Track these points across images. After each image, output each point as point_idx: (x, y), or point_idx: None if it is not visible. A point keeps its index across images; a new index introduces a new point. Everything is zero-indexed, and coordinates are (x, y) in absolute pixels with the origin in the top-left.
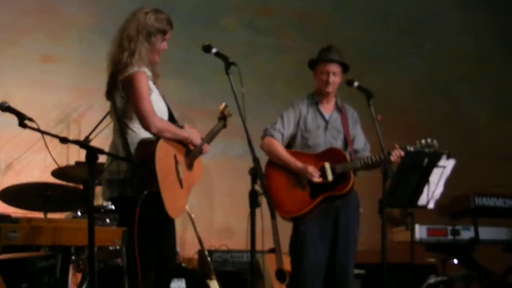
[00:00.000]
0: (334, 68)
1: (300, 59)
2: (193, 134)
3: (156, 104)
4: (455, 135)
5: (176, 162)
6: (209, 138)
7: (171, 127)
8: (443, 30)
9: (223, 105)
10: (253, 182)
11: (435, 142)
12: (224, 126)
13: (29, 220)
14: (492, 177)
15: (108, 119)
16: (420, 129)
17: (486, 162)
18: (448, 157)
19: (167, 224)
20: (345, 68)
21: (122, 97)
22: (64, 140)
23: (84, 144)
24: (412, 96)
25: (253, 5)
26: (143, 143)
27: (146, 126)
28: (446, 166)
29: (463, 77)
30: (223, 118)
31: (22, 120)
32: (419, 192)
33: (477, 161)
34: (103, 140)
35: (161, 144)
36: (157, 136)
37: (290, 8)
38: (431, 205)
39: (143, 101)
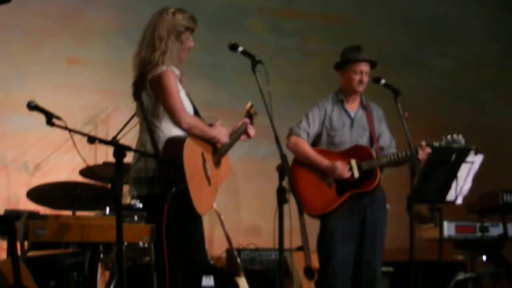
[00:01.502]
0: (366, 67)
1: (325, 61)
2: (221, 133)
3: (183, 102)
4: (479, 141)
5: (204, 160)
6: (235, 137)
7: (201, 125)
8: (466, 35)
9: (249, 104)
10: (281, 178)
11: (461, 137)
12: (251, 124)
13: (57, 217)
14: None
15: (135, 120)
16: (444, 134)
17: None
18: (476, 153)
19: (196, 222)
20: (372, 66)
21: (150, 95)
22: (91, 140)
23: (111, 141)
24: (436, 101)
25: (277, 7)
26: (171, 141)
27: (177, 122)
28: (474, 161)
29: (487, 82)
30: (249, 117)
31: (50, 118)
32: (447, 187)
33: (502, 164)
34: (130, 140)
35: (189, 142)
36: (186, 133)
37: (315, 11)
38: (459, 201)
39: (174, 98)
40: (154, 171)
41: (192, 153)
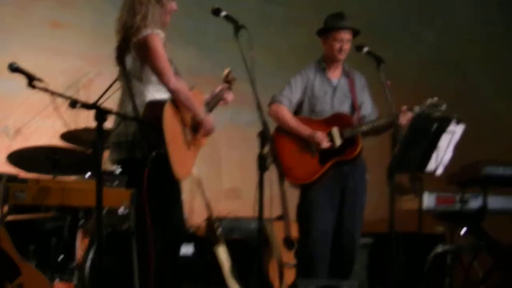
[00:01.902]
0: (348, 35)
1: (311, 31)
2: (208, 120)
3: None
4: (464, 111)
5: (183, 124)
6: (213, 103)
7: (188, 94)
8: (452, 6)
9: (227, 70)
10: (262, 145)
11: (442, 101)
12: (229, 89)
13: (37, 180)
14: (501, 147)
15: (117, 85)
16: None
17: (496, 136)
18: (458, 122)
19: (175, 187)
20: (354, 34)
21: (134, 59)
22: (73, 104)
23: (92, 104)
24: (419, 72)
25: None
26: (151, 104)
27: (165, 82)
28: (455, 131)
29: (473, 54)
30: (227, 82)
31: (31, 80)
32: (428, 157)
33: (486, 134)
34: (111, 105)
35: (169, 105)
36: (171, 95)
37: None
38: (439, 171)
39: (162, 59)
40: (134, 135)
41: (172, 117)
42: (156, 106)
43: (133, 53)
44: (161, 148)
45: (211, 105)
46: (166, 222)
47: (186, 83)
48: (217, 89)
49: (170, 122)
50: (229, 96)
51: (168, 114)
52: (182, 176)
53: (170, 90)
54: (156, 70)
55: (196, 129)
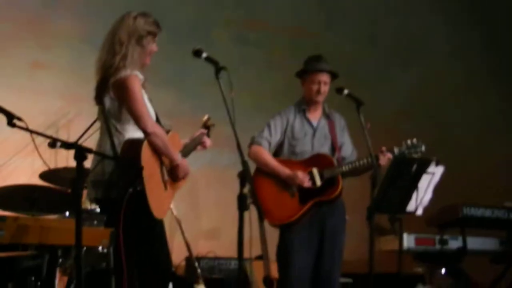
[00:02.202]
0: (325, 78)
1: (289, 74)
2: (183, 164)
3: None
4: (441, 155)
5: (161, 164)
6: (191, 147)
7: (165, 138)
8: (431, 52)
9: (206, 116)
10: (242, 185)
11: (420, 142)
12: (208, 136)
13: (15, 218)
14: (478, 194)
15: (97, 125)
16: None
17: (474, 180)
18: (437, 164)
19: (156, 225)
20: (333, 77)
21: (112, 99)
22: (53, 144)
23: (72, 143)
24: (398, 116)
25: (242, 18)
26: (129, 142)
27: (142, 126)
28: (435, 172)
29: (451, 98)
30: (206, 128)
31: (11, 119)
32: (408, 198)
33: (464, 178)
34: (91, 145)
35: (147, 143)
36: (148, 139)
37: (281, 24)
38: (419, 212)
39: (138, 103)
40: (111, 174)
41: (150, 156)
42: (134, 144)
43: (111, 93)
44: (138, 185)
45: (188, 149)
46: (149, 260)
47: (164, 124)
48: (196, 134)
49: (148, 160)
50: (207, 141)
51: (146, 152)
52: (159, 215)
53: (147, 133)
54: (133, 113)
55: (172, 172)
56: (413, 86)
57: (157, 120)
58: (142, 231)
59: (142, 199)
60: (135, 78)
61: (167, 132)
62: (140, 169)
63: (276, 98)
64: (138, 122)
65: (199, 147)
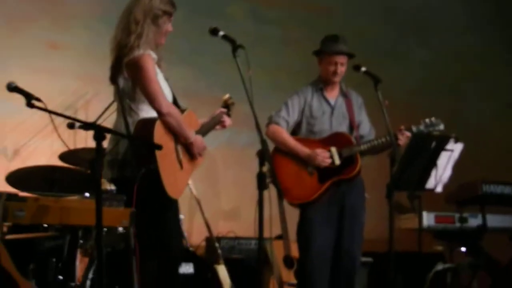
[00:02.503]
0: (342, 59)
1: (305, 51)
2: (197, 141)
3: (162, 86)
4: (460, 131)
5: (176, 143)
6: (210, 125)
7: (179, 118)
8: (448, 27)
9: (227, 95)
10: (261, 164)
11: (439, 121)
12: (228, 115)
13: (36, 199)
14: (497, 169)
15: (115, 106)
16: None
17: (493, 155)
18: (456, 141)
19: (169, 205)
20: (350, 57)
21: (126, 79)
22: (71, 125)
23: (91, 124)
24: (416, 92)
25: None
26: (142, 121)
27: (157, 106)
28: (454, 149)
29: (468, 73)
30: (226, 107)
31: (30, 100)
32: (427, 175)
33: (483, 153)
34: (110, 125)
35: (160, 123)
36: (163, 119)
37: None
38: (439, 189)
39: (152, 82)
40: (124, 154)
41: (163, 134)
42: (147, 124)
43: (124, 73)
44: (151, 165)
45: (207, 128)
46: (160, 242)
47: (181, 105)
48: (216, 112)
49: (161, 139)
50: (227, 120)
51: (159, 131)
52: (173, 194)
53: (162, 113)
54: (147, 93)
55: (188, 150)
56: (428, 62)
57: (174, 100)
58: (155, 211)
59: (155, 178)
60: (149, 57)
61: (183, 111)
62: (156, 147)
63: (292, 76)
64: (152, 102)
65: (218, 126)
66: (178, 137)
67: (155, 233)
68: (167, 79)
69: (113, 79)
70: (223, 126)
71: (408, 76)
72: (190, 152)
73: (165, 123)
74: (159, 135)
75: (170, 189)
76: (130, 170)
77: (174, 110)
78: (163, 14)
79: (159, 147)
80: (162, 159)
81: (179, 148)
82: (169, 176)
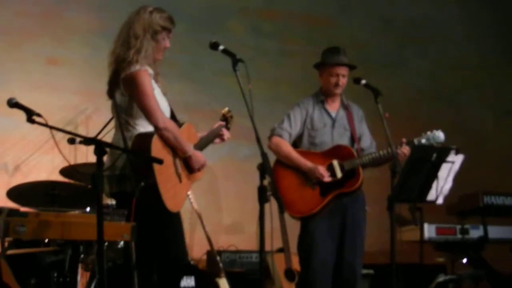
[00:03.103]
0: (344, 70)
1: (305, 62)
2: (196, 156)
3: (158, 101)
4: (460, 142)
5: (174, 157)
6: (209, 139)
7: (177, 132)
8: (446, 36)
9: (226, 109)
10: (262, 177)
11: (441, 133)
12: (227, 128)
13: (37, 214)
14: (498, 180)
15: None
16: None
17: (493, 165)
18: (457, 152)
19: (168, 218)
20: (351, 68)
21: (123, 94)
22: (72, 140)
23: (92, 138)
24: (415, 102)
25: (258, 8)
26: (140, 135)
27: (154, 122)
28: (454, 161)
29: (467, 83)
30: (225, 120)
31: (30, 115)
32: (428, 187)
33: (484, 164)
34: (110, 140)
35: (157, 137)
36: (160, 133)
37: (295, 12)
38: (440, 201)
39: (149, 97)
40: (122, 169)
41: (161, 148)
42: (144, 138)
43: (121, 88)
44: (149, 179)
45: (205, 142)
46: (162, 254)
47: (179, 119)
48: (214, 126)
49: (159, 153)
50: (226, 134)
51: (156, 145)
52: (172, 208)
53: (159, 128)
54: (144, 108)
55: (186, 164)
56: (428, 72)
57: (172, 114)
58: (155, 225)
59: (154, 192)
60: (145, 73)
61: (181, 125)
62: (157, 161)
63: (292, 87)
64: (149, 117)
65: (217, 140)
66: (176, 151)
67: (155, 246)
68: (164, 93)
69: (111, 93)
70: (222, 140)
71: (408, 86)
72: (189, 166)
73: (162, 137)
74: (157, 149)
75: (169, 203)
76: (129, 184)
77: (170, 124)
78: (162, 30)
79: (160, 161)
80: (160, 173)
81: (178, 162)
82: (168, 190)
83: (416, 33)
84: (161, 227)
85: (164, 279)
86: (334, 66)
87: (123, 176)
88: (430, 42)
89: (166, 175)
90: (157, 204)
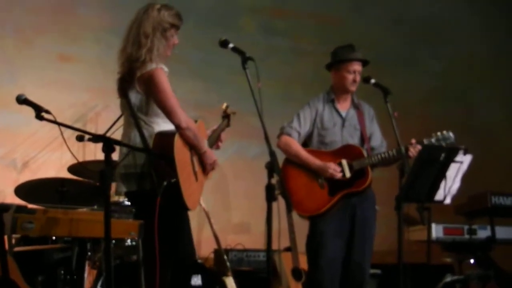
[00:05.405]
0: (359, 67)
1: (316, 61)
2: (209, 152)
3: None
4: (470, 141)
5: (192, 155)
6: (213, 139)
7: (197, 131)
8: (458, 35)
9: (224, 104)
10: (270, 176)
11: (451, 134)
12: (228, 125)
13: (45, 211)
14: (508, 179)
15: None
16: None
17: (502, 166)
18: (465, 153)
19: (183, 217)
20: (365, 64)
21: (139, 92)
22: (80, 137)
23: (100, 136)
24: (426, 102)
25: (270, 6)
26: (161, 134)
27: (176, 121)
28: (463, 161)
29: (478, 83)
30: (226, 117)
31: (39, 112)
32: (436, 187)
33: (493, 164)
34: (119, 138)
35: (178, 136)
36: (181, 132)
37: (307, 11)
38: (448, 201)
39: (169, 96)
40: (143, 166)
41: (182, 147)
42: (166, 137)
43: (137, 87)
44: (172, 178)
45: (210, 141)
46: (176, 252)
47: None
48: (215, 127)
49: (180, 152)
50: (223, 137)
51: (178, 143)
52: (192, 206)
53: (181, 127)
54: (164, 107)
55: (201, 161)
56: (439, 71)
57: None
58: (174, 223)
59: (175, 191)
60: (161, 71)
61: (195, 121)
62: (172, 160)
63: (304, 86)
64: (171, 116)
65: (214, 146)
66: (194, 149)
67: (173, 243)
68: (174, 91)
69: (122, 93)
70: (217, 147)
71: (419, 85)
72: (203, 162)
73: (183, 136)
74: (179, 148)
75: (189, 201)
76: (149, 183)
77: (192, 124)
78: (171, 27)
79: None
80: (182, 171)
81: (194, 159)
82: (187, 188)
83: (428, 32)
84: (178, 226)
85: (178, 275)
86: (351, 62)
87: (143, 174)
88: (442, 41)
89: (186, 173)
90: (177, 203)
